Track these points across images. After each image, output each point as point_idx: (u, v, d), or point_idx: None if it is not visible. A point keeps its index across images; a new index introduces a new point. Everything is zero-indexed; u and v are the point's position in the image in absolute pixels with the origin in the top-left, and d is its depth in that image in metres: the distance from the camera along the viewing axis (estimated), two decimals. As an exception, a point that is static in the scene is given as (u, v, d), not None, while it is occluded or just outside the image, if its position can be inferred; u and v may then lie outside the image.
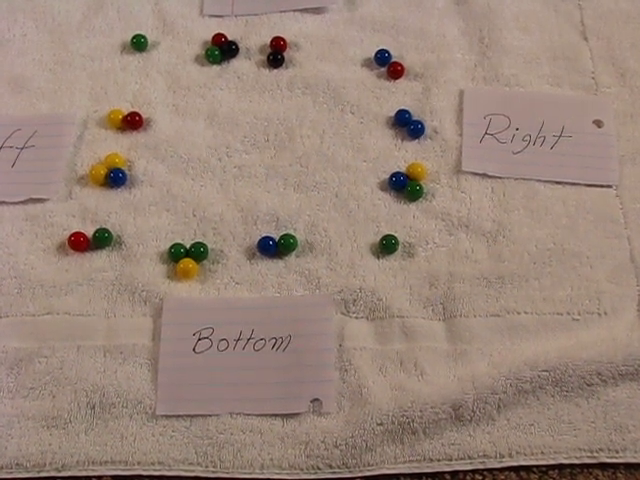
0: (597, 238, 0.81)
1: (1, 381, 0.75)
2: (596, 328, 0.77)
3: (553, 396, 0.73)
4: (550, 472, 0.72)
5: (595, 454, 0.72)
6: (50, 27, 0.97)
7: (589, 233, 0.82)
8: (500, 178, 0.85)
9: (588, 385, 0.73)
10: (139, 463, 0.72)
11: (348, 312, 0.78)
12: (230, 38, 0.95)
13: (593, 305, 0.78)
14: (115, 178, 0.85)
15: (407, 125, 0.88)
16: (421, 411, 0.72)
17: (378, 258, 0.81)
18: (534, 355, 0.74)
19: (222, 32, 0.96)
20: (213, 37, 0.95)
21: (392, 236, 0.81)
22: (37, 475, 0.72)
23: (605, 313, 0.77)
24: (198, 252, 0.81)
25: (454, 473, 0.72)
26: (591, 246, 0.81)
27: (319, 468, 0.71)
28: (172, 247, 0.81)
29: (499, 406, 0.73)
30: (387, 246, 0.80)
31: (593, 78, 0.91)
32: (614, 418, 0.73)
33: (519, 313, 0.77)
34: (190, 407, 0.73)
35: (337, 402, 0.74)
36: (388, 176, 0.85)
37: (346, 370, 0.75)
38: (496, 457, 0.72)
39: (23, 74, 0.94)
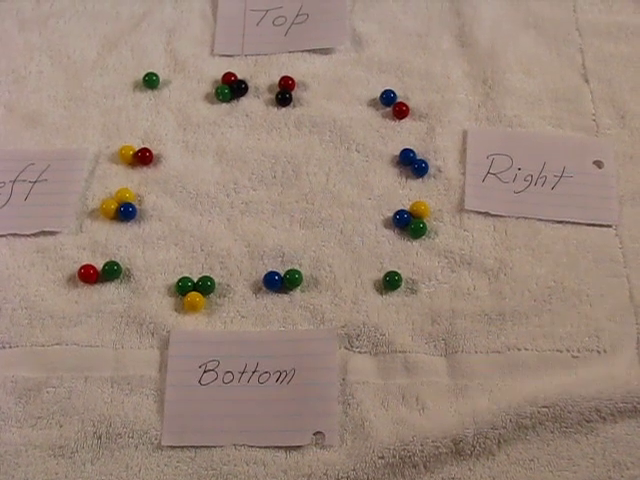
0: (597, 277, 0.82)
1: (10, 410, 0.76)
2: (595, 365, 0.77)
3: (552, 432, 0.74)
4: (549, 507, 0.72)
5: (594, 490, 0.72)
6: (65, 65, 1.00)
7: (589, 272, 0.83)
8: (502, 217, 0.86)
9: (587, 422, 0.74)
10: (144, 493, 0.73)
11: (352, 347, 0.79)
12: (240, 77, 0.97)
13: (593, 343, 0.78)
14: (125, 212, 0.87)
15: (411, 164, 0.89)
16: (422, 445, 0.73)
17: (381, 294, 0.82)
18: (534, 391, 0.75)
19: (232, 71, 0.98)
20: (223, 76, 0.97)
21: (395, 272, 0.82)
22: (43, 503, 0.73)
23: (604, 351, 0.78)
24: (205, 286, 0.82)
25: (454, 507, 0.72)
26: (591, 285, 0.82)
27: (321, 500, 0.72)
28: (180, 280, 0.82)
29: (499, 441, 0.73)
30: (390, 282, 0.82)
31: (594, 120, 0.93)
32: (613, 455, 0.73)
33: (519, 350, 0.78)
34: (195, 438, 0.74)
35: (340, 435, 0.74)
36: (392, 214, 0.86)
37: (349, 404, 0.76)
38: (496, 492, 0.72)
39: (38, 110, 0.96)
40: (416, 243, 0.85)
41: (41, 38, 1.02)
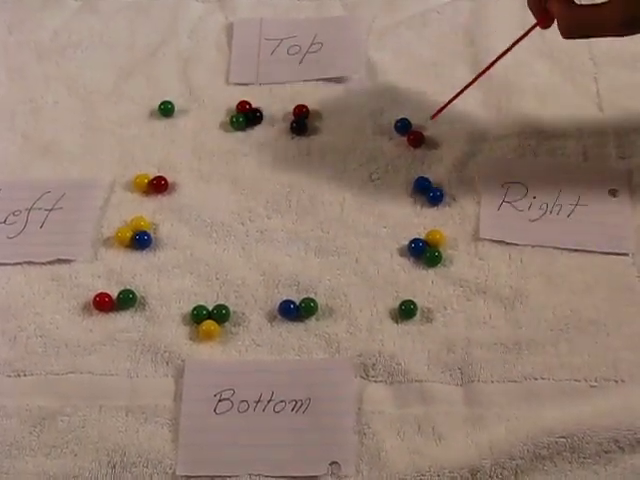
0: (614, 306, 0.82)
1: (23, 439, 0.76)
2: (614, 395, 0.76)
3: (570, 462, 0.73)
4: (568, 539, 0.72)
5: (613, 522, 0.71)
6: (81, 94, 1.01)
7: (606, 301, 0.82)
8: (517, 245, 0.86)
9: (606, 452, 0.73)
10: (158, 523, 0.72)
11: (367, 376, 0.79)
12: (254, 106, 0.98)
13: (610, 372, 0.78)
14: (140, 240, 0.87)
15: (426, 193, 0.89)
16: (438, 475, 0.72)
17: (397, 323, 0.82)
18: (551, 421, 0.74)
19: (247, 100, 0.98)
20: (238, 104, 0.98)
21: (411, 301, 0.82)
22: (57, 534, 0.72)
23: (622, 380, 0.77)
24: (220, 314, 0.82)
25: (471, 539, 0.72)
26: (608, 313, 0.81)
27: (337, 531, 0.72)
28: (195, 309, 0.82)
29: (516, 472, 0.72)
30: (406, 311, 0.81)
31: (608, 148, 0.93)
32: (632, 486, 0.72)
33: (536, 379, 0.78)
34: (210, 467, 0.74)
35: (355, 465, 0.74)
36: (407, 242, 0.86)
37: (365, 434, 0.75)
38: (513, 523, 0.71)
39: (54, 139, 0.97)
40: (431, 272, 0.85)
41: (58, 68, 1.03)
